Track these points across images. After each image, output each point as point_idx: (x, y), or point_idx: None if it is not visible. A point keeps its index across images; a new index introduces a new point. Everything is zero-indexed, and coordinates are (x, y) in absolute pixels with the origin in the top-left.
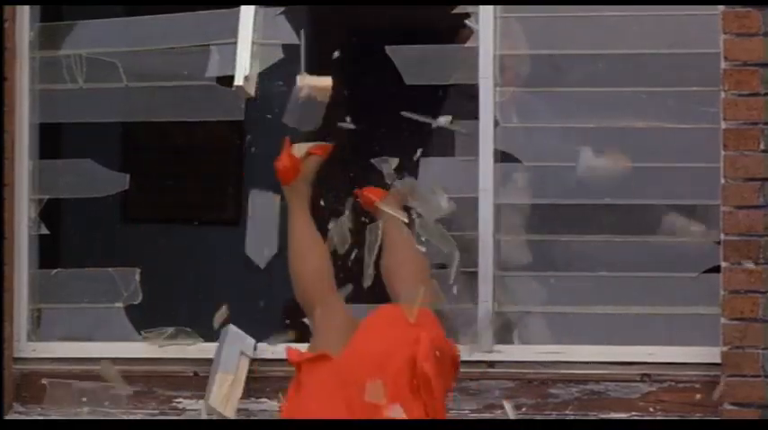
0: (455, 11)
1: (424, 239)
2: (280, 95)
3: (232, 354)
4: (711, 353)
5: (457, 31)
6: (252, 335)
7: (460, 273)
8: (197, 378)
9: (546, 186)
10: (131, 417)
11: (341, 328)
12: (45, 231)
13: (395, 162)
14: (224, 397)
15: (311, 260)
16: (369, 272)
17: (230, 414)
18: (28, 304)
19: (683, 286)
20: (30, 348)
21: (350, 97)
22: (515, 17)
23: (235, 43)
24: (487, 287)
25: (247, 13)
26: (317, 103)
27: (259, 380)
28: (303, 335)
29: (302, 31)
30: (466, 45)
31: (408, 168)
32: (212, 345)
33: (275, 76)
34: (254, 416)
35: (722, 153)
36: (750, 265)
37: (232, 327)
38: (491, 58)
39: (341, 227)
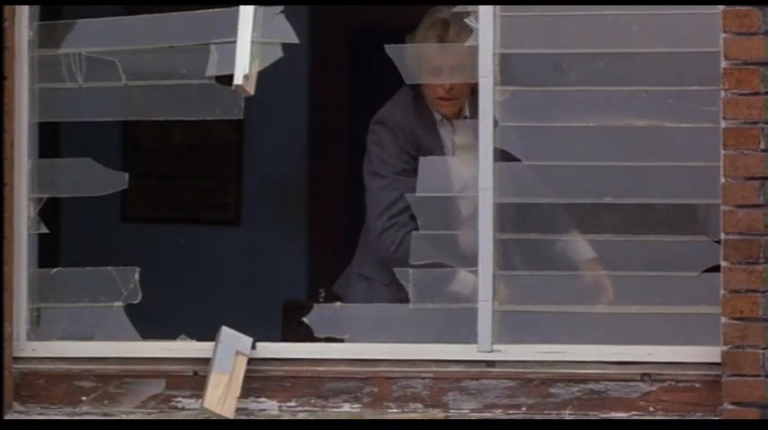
0: (455, 10)
1: None
2: (279, 95)
3: (227, 354)
4: (711, 353)
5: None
6: (252, 335)
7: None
8: (197, 377)
9: (546, 186)
10: (131, 417)
11: None
12: (44, 230)
13: None
14: (220, 397)
15: None
16: None
17: (228, 413)
18: (27, 303)
19: (683, 286)
20: (29, 348)
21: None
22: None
23: (234, 42)
24: (487, 287)
25: (247, 12)
26: None
27: (259, 380)
28: (301, 334)
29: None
30: (466, 44)
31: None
32: (212, 345)
33: (275, 76)
34: (254, 416)
35: (722, 152)
36: (750, 265)
37: (225, 329)
38: (491, 57)
39: None
